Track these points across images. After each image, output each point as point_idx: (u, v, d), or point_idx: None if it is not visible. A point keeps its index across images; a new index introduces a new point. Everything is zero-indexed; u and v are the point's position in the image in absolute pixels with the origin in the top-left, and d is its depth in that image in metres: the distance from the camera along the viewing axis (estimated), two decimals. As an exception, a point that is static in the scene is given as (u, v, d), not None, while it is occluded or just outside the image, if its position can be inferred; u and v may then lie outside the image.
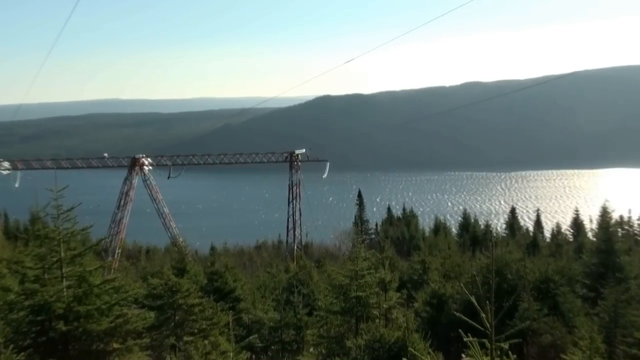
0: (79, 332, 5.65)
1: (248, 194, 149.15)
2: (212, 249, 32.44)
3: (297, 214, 36.97)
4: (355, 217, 41.85)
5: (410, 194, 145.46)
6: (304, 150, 37.55)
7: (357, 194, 43.38)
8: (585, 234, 30.47)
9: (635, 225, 29.56)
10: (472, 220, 35.94)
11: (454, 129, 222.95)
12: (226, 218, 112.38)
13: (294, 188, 36.90)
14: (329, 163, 39.28)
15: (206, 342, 7.47)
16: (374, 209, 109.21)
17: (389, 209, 43.58)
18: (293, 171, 36.63)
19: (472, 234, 32.89)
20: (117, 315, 5.89)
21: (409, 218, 40.62)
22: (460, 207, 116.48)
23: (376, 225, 42.07)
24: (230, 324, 5.44)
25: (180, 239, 25.83)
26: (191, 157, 37.01)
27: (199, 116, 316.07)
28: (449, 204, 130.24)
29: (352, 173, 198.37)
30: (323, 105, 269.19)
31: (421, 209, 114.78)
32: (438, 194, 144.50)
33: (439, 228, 35.48)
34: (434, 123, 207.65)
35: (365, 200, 42.91)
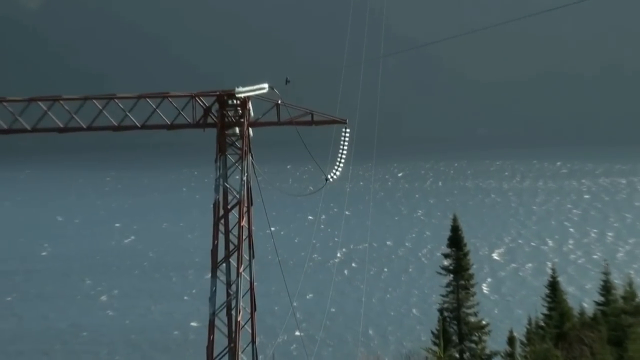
0: None
1: (72, 233, 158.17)
2: None
3: (242, 302, 38.40)
4: (439, 316, 41.03)
5: (599, 227, 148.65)
6: (265, 86, 39.02)
7: (445, 230, 42.87)
8: None
9: None
10: None
11: None
12: (7, 320, 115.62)
13: (236, 215, 38.55)
14: (348, 131, 41.58)
15: None
16: (501, 286, 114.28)
17: (551, 289, 41.90)
18: (228, 156, 38.97)
19: None
20: None
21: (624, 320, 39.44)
22: None
23: (511, 335, 40.94)
24: None
25: None
26: None
27: None
28: None
29: (421, 161, 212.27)
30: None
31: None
32: None
33: None
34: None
35: (469, 251, 43.60)
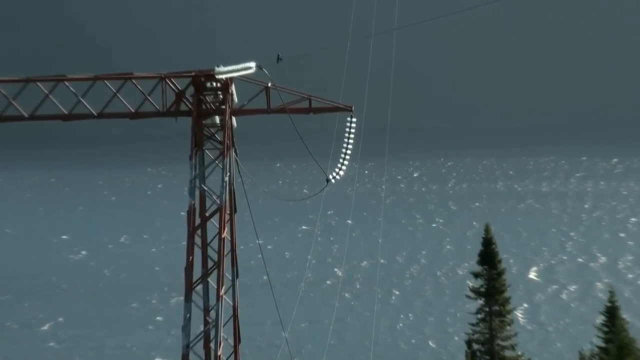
0: None
1: None
2: None
3: (223, 332, 38.74)
4: (467, 349, 42.25)
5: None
6: (252, 66, 39.03)
7: (470, 243, 42.93)
8: None
9: None
10: None
11: None
12: None
13: (215, 224, 38.59)
14: (355, 121, 41.76)
15: None
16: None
17: (609, 316, 42.78)
18: (205, 151, 39.18)
19: None
20: None
21: None
22: None
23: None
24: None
25: None
26: None
27: None
28: None
29: (442, 158, 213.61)
30: None
31: None
32: None
33: None
34: None
35: (505, 269, 43.11)
